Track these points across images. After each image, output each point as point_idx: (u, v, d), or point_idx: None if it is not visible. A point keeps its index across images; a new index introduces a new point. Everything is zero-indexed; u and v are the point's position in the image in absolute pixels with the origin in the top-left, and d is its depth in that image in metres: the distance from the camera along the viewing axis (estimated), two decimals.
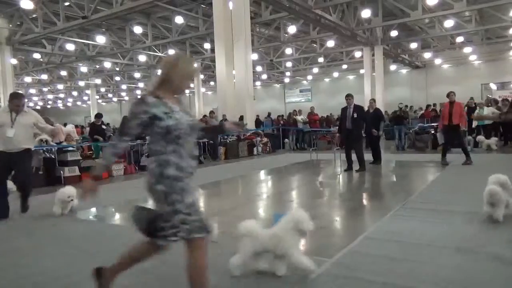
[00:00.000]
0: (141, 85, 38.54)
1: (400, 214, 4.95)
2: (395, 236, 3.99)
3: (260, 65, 29.65)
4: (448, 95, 9.37)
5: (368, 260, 3.35)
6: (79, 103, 49.09)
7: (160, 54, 24.46)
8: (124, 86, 39.16)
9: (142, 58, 25.18)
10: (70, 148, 9.68)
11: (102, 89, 41.11)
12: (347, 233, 4.61)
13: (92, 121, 14.01)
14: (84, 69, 29.75)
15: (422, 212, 4.95)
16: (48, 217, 5.30)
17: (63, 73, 31.46)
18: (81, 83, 35.36)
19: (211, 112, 14.90)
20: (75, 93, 43.07)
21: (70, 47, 21.40)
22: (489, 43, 25.29)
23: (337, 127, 10.49)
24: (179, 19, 18.09)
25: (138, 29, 19.47)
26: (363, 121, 9.29)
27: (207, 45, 22.31)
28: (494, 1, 16.51)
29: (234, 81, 14.95)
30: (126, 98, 46.96)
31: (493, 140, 12.38)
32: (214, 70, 16.90)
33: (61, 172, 8.99)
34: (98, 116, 12.26)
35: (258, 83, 36.70)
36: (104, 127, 12.92)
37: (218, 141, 13.89)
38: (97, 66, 29.11)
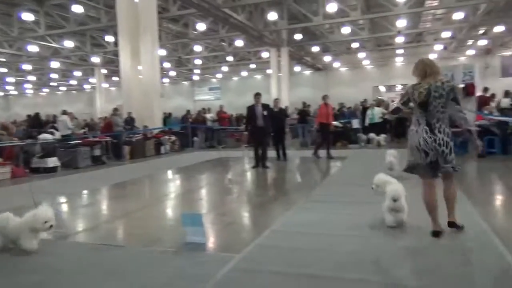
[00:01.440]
0: (31, 78, 34.74)
1: (304, 207, 5.24)
2: (299, 227, 4.21)
3: (168, 62, 28.90)
4: (324, 98, 10.71)
5: (275, 252, 3.48)
6: None
7: (55, 45, 22.33)
8: (11, 79, 34.92)
9: (33, 48, 22.66)
10: None
11: None
12: (254, 227, 4.73)
13: None
14: None
15: (323, 204, 5.34)
16: None
17: None
18: None
19: (115, 109, 14.04)
20: None
21: None
22: (379, 49, 28.30)
23: (245, 126, 10.69)
24: (77, 8, 16.68)
25: (28, 16, 17.48)
26: (271, 119, 9.68)
27: (109, 38, 21.01)
28: (384, 12, 18.47)
29: (140, 77, 14.32)
30: (14, 92, 42.01)
31: (382, 137, 13.86)
32: (117, 64, 15.96)
33: None
34: None
35: (166, 80, 35.73)
36: None
37: (122, 140, 13.16)
38: None
